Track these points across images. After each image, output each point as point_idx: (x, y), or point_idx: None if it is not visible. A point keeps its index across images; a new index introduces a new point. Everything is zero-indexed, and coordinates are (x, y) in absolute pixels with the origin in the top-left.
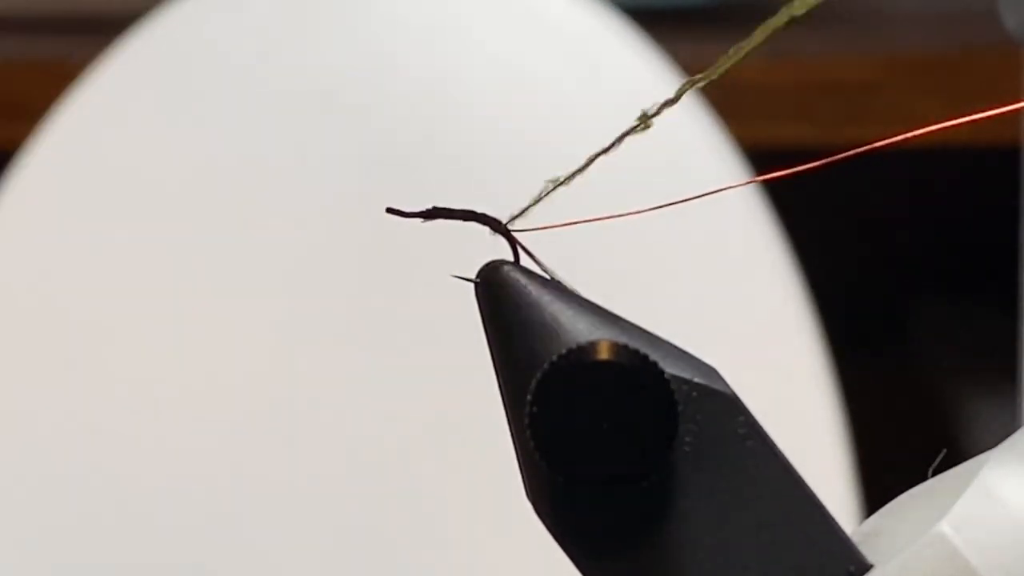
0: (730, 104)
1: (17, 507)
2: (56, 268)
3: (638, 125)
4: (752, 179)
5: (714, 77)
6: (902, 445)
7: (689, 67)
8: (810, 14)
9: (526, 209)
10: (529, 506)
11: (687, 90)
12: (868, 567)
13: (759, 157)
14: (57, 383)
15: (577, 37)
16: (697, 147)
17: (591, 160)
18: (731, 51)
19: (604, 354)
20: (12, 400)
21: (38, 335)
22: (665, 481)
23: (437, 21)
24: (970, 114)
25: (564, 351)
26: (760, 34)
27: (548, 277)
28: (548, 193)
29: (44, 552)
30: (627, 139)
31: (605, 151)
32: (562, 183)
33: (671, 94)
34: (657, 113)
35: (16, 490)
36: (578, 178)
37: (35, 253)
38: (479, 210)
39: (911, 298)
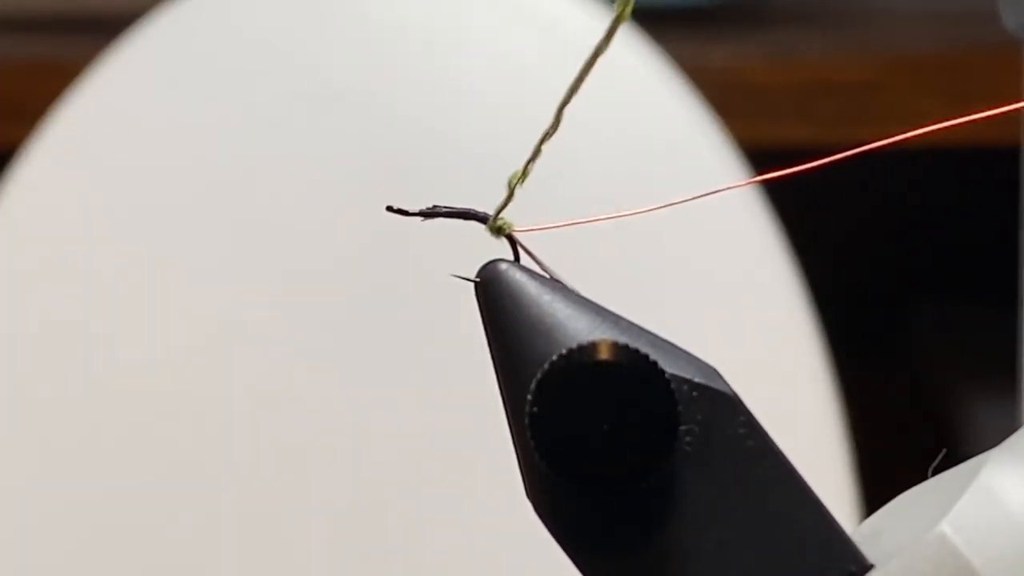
0: (730, 104)
1: (14, 507)
2: (56, 268)
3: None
4: (752, 179)
5: None
6: (902, 445)
7: (689, 67)
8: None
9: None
10: (529, 506)
11: None
12: (868, 567)
13: (759, 157)
14: (56, 383)
15: (577, 37)
16: (697, 147)
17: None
18: None
19: (604, 354)
20: (11, 400)
21: (38, 335)
22: (665, 481)
23: (436, 21)
24: (970, 114)
25: (564, 351)
26: None
27: (548, 276)
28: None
29: (43, 553)
30: (627, 139)
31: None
32: (546, 137)
33: (670, 94)
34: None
35: (14, 490)
36: (579, 179)
37: (35, 253)
38: (479, 209)
39: (911, 298)
